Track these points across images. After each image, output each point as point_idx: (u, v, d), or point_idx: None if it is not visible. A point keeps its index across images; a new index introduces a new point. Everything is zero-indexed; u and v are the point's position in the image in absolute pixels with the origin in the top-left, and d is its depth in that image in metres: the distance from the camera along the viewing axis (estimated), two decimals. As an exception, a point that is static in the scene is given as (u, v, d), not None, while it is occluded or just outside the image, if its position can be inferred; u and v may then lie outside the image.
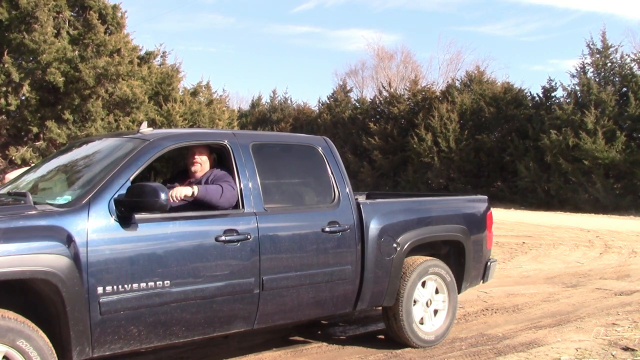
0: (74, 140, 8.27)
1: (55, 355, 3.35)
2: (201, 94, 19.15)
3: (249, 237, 4.12)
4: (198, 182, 4.37)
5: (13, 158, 14.60)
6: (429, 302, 5.27)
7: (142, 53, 17.05)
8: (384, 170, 29.05)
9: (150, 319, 3.70)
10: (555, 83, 25.73)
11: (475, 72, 29.57)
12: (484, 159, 26.00)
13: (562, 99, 24.84)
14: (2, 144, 15.29)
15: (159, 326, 3.76)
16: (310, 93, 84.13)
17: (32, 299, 3.46)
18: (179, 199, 4.11)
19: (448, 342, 5.30)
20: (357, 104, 34.00)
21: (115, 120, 15.27)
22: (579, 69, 24.42)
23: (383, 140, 29.08)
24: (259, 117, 38.42)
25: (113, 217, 3.61)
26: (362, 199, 5.41)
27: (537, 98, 26.17)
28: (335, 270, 4.59)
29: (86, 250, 3.44)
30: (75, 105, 14.98)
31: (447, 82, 32.02)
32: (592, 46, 24.16)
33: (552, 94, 25.84)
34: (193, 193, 4.15)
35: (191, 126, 16.83)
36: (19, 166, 13.49)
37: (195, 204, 4.16)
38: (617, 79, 23.59)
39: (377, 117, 31.55)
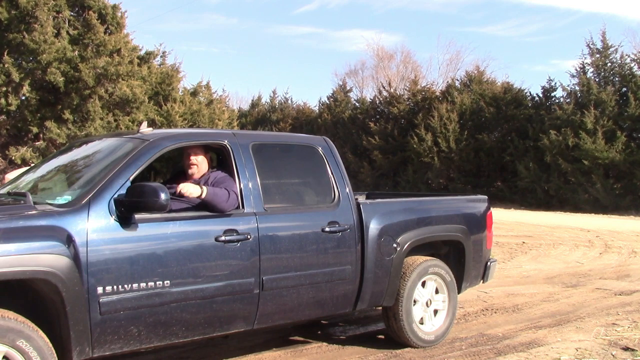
0: (74, 140, 8.27)
1: (55, 355, 3.35)
2: (201, 94, 19.17)
3: (248, 237, 4.12)
4: (196, 184, 4.35)
5: (13, 158, 14.60)
6: (429, 302, 5.27)
7: (142, 53, 17.05)
8: (384, 170, 29.04)
9: (150, 319, 3.70)
10: (555, 83, 25.80)
11: (475, 72, 29.58)
12: (484, 159, 26.00)
13: (562, 99, 24.84)
14: (2, 144, 15.29)
15: (159, 326, 3.76)
16: (310, 93, 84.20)
17: (32, 299, 3.46)
18: (189, 196, 3.98)
19: (448, 342, 5.30)
20: (357, 104, 34.00)
21: (115, 120, 15.27)
22: (578, 69, 24.46)
23: (383, 140, 29.08)
24: (258, 117, 38.39)
25: (113, 217, 3.61)
26: (362, 199, 5.41)
27: (537, 98, 26.18)
28: (335, 270, 4.58)
29: (86, 250, 3.44)
30: (75, 105, 14.99)
31: (447, 82, 32.02)
32: (592, 46, 24.18)
33: (552, 94, 25.87)
34: (201, 194, 4.02)
35: (191, 126, 16.83)
36: (19, 166, 13.49)
37: (198, 206, 4.12)
38: (617, 79, 23.60)
39: (377, 117, 31.54)
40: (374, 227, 4.81)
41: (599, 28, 39.55)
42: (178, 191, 4.00)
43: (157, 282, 3.70)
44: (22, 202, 3.60)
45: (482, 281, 5.86)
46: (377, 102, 32.35)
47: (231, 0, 74.34)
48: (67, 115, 14.84)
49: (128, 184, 3.75)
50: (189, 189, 3.99)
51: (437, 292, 5.32)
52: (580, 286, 7.97)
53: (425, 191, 25.81)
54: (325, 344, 5.28)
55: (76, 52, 14.89)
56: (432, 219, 5.35)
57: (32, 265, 3.21)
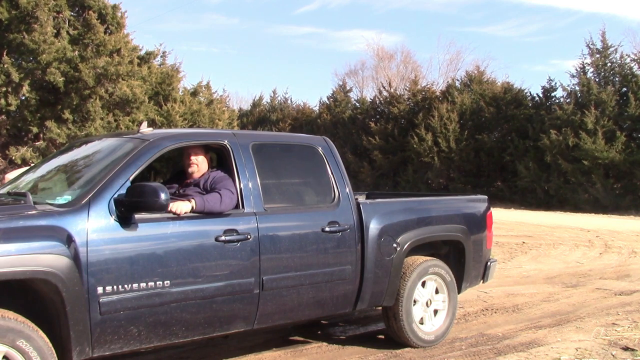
0: (74, 140, 8.27)
1: (55, 355, 3.35)
2: (201, 94, 19.18)
3: (248, 237, 4.12)
4: (196, 184, 4.35)
5: (13, 158, 14.61)
6: (429, 302, 5.27)
7: (142, 53, 17.06)
8: (384, 170, 29.04)
9: (150, 319, 3.70)
10: (555, 83, 25.76)
11: (475, 72, 29.56)
12: (484, 159, 25.99)
13: (562, 99, 24.82)
14: (2, 144, 15.30)
15: (159, 326, 3.76)
16: (310, 93, 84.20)
17: (32, 299, 3.46)
18: (180, 213, 3.93)
19: (448, 342, 5.30)
20: (357, 104, 33.98)
21: (115, 120, 15.28)
22: (578, 69, 24.43)
23: (383, 140, 29.07)
24: (259, 117, 38.39)
25: (113, 217, 3.61)
26: (362, 199, 5.41)
27: (537, 98, 26.16)
28: (335, 270, 4.59)
29: (86, 250, 3.44)
30: (75, 105, 14.99)
31: (447, 82, 32.00)
32: (592, 46, 24.15)
33: (552, 94, 25.84)
34: (192, 208, 3.99)
35: (191, 126, 16.84)
36: (19, 166, 13.49)
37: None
38: (617, 79, 23.58)
39: (377, 117, 31.51)
40: (374, 227, 4.81)
41: (599, 28, 39.45)
42: (169, 210, 3.92)
43: (157, 282, 3.70)
44: (22, 202, 3.60)
45: (482, 281, 5.86)
46: (377, 102, 32.33)
47: (231, 0, 74.41)
48: (67, 115, 14.84)
49: (128, 184, 3.75)
50: (179, 207, 3.93)
51: (437, 292, 5.32)
52: (580, 286, 7.97)
53: (425, 191, 25.80)
54: (325, 344, 5.29)
55: (76, 52, 14.89)
56: (432, 219, 5.35)
57: (32, 265, 3.21)
